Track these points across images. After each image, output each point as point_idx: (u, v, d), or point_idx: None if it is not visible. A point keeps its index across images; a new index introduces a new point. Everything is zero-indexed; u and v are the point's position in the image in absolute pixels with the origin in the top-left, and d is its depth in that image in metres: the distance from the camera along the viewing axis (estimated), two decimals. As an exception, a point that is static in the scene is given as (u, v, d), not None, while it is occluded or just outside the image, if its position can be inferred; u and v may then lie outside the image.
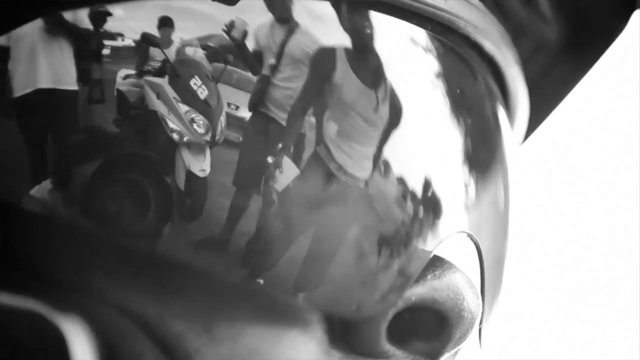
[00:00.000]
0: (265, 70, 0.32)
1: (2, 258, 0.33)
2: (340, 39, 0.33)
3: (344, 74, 0.33)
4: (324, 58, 0.33)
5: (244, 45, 0.31)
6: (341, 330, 0.35)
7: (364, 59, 0.33)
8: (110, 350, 0.32)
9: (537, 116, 0.48)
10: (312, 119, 0.32)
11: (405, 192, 0.34)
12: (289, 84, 0.32)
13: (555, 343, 1.17)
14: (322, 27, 0.33)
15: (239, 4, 0.31)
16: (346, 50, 0.33)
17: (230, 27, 0.31)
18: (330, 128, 0.32)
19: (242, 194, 0.31)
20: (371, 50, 0.34)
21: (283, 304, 0.34)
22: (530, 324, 1.15)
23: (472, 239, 0.37)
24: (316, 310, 0.35)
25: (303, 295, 0.33)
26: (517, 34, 0.43)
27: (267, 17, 0.32)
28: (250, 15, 0.32)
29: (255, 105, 0.32)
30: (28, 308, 0.31)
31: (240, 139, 0.32)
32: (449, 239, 0.35)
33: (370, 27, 0.33)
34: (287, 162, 0.32)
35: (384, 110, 0.34)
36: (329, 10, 0.33)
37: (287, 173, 0.32)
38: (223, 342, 0.33)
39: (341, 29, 0.33)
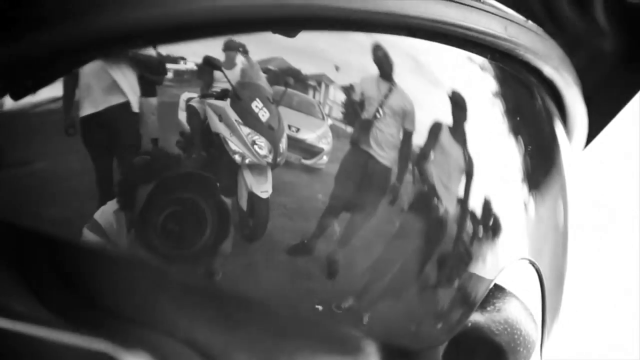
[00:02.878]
0: (367, 115, 0.33)
1: (70, 297, 0.34)
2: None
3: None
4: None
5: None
6: (399, 354, 0.35)
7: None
8: None
9: (594, 129, 0.47)
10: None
11: (465, 214, 0.34)
12: (390, 129, 0.33)
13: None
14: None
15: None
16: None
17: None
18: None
19: (328, 217, 0.32)
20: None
21: (343, 334, 0.34)
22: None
23: (533, 266, 0.37)
24: (376, 341, 0.35)
25: (365, 327, 0.33)
26: (573, 46, 0.42)
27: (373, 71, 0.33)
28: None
29: (357, 142, 0.33)
30: (96, 349, 0.31)
31: (301, 160, 0.32)
32: (510, 266, 0.35)
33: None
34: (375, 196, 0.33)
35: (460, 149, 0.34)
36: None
37: (372, 205, 0.32)
38: None
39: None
